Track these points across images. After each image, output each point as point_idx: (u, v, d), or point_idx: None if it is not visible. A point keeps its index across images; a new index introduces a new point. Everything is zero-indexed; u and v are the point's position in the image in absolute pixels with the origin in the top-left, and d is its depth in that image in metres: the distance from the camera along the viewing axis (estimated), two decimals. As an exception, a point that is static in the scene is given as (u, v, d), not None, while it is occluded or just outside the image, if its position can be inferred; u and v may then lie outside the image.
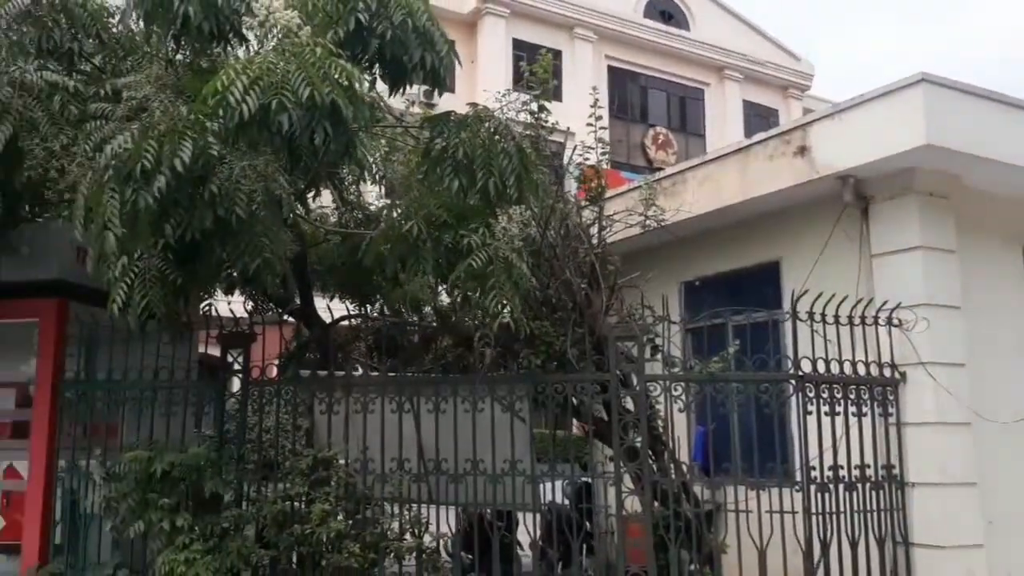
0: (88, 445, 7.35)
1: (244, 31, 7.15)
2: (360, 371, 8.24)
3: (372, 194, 10.14)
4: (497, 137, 6.53)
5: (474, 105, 6.89)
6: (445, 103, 7.75)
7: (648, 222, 8.31)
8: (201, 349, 8.40)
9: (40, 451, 7.39)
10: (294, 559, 6.80)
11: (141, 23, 7.18)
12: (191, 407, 7.50)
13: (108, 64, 7.74)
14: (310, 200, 8.74)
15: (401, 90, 6.94)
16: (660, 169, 14.21)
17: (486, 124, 6.62)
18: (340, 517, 6.60)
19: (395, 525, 6.81)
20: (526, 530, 7.08)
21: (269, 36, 6.29)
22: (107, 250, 5.80)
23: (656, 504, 6.82)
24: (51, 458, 7.38)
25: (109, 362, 7.38)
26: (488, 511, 7.11)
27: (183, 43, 7.12)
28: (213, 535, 6.55)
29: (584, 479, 8.14)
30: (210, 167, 5.82)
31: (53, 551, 7.33)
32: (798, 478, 6.73)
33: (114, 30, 7.71)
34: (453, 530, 7.15)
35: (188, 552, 6.34)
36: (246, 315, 7.97)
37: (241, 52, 7.29)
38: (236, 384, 7.56)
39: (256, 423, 7.76)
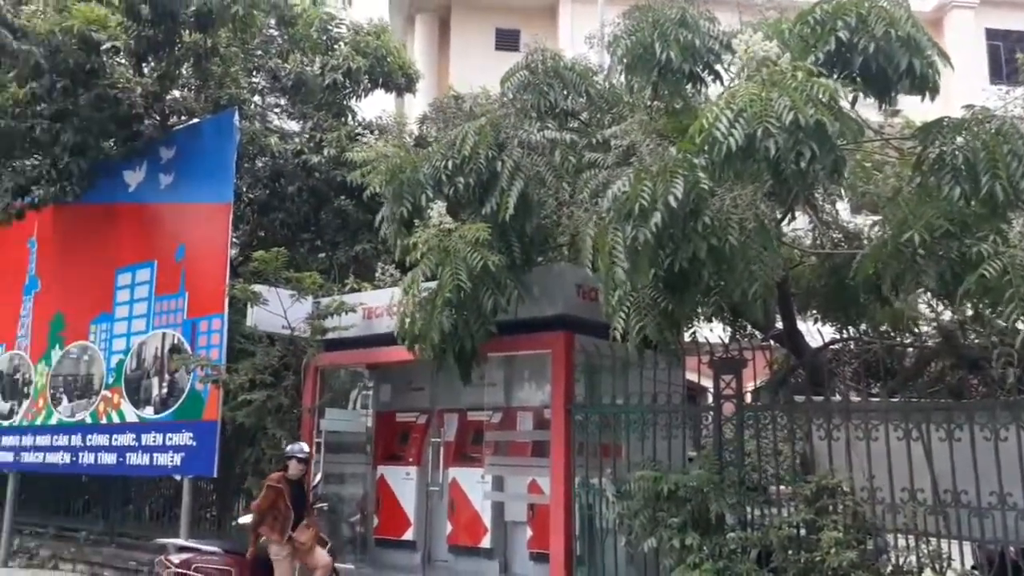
0: (599, 464, 7.97)
1: (717, 68, 7.48)
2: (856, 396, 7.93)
3: (844, 212, 9.84)
4: (1001, 138, 6.00)
5: (970, 107, 6.38)
6: (909, 108, 7.28)
7: None
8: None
9: (558, 469, 8.18)
10: (802, 585, 6.71)
11: (622, 77, 7.81)
12: (688, 430, 7.81)
13: (594, 118, 8.55)
14: (784, 224, 8.72)
15: (887, 102, 6.68)
16: None
17: (986, 125, 6.11)
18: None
19: (911, 558, 6.41)
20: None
21: (745, 70, 6.45)
22: (617, 281, 6.36)
23: None
24: (568, 475, 8.12)
25: (612, 388, 7.97)
26: (1012, 549, 6.43)
27: (659, 88, 7.60)
28: (721, 556, 6.70)
29: None
30: (701, 200, 6.09)
31: (575, 562, 8.01)
32: None
33: (598, 86, 8.48)
34: (976, 567, 6.54)
35: (700, 572, 6.55)
36: (726, 342, 8.12)
37: (712, 89, 7.60)
38: (725, 408, 7.70)
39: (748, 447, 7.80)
